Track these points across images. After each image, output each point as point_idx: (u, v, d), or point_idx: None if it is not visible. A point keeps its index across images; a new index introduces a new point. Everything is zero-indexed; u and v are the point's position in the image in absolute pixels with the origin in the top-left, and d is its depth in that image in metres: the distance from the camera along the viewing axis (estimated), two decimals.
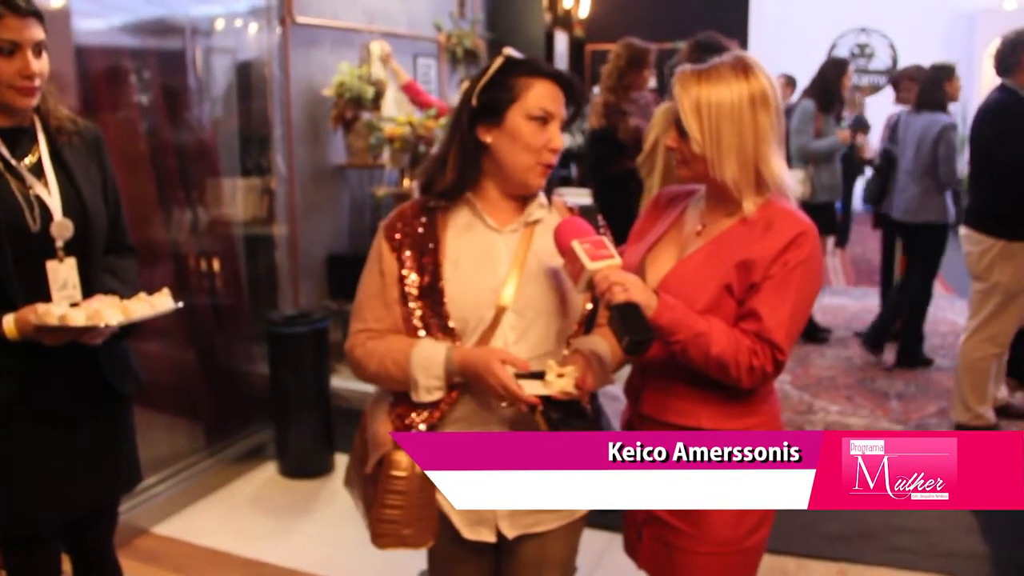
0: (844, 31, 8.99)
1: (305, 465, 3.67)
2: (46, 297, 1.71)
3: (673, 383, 1.65)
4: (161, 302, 1.73)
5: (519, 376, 1.50)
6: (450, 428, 1.63)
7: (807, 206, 4.87)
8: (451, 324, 1.60)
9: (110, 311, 1.63)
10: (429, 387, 1.58)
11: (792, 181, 1.65)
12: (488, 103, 1.58)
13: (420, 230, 1.63)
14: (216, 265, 3.83)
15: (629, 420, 1.79)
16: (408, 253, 1.62)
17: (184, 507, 3.38)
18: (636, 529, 1.78)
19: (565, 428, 1.50)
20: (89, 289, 1.77)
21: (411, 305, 1.62)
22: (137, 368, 1.96)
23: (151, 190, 3.44)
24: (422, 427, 1.61)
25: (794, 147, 4.98)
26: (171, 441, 3.54)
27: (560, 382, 1.48)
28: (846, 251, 8.24)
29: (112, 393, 1.87)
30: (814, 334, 5.49)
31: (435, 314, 1.60)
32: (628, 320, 1.44)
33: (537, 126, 1.57)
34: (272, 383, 3.72)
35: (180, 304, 1.76)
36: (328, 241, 4.31)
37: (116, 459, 1.91)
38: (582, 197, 4.69)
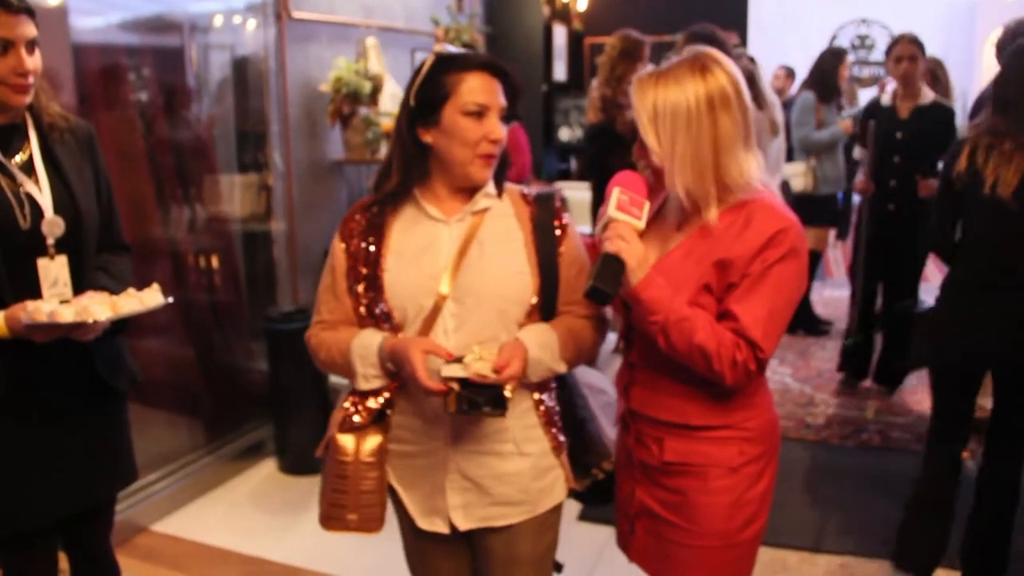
0: (844, 22, 8.97)
1: (304, 461, 3.66)
2: (37, 295, 1.71)
3: (660, 379, 1.64)
4: (151, 298, 1.73)
5: (448, 363, 1.50)
6: (397, 417, 1.67)
7: (810, 198, 4.91)
8: (392, 313, 1.62)
9: (98, 307, 1.63)
10: (367, 375, 1.62)
11: (785, 174, 1.62)
12: (424, 103, 1.58)
13: (367, 224, 1.67)
14: (214, 262, 3.82)
15: (622, 415, 1.78)
16: (356, 247, 1.66)
17: (183, 504, 3.39)
18: (629, 522, 1.77)
19: (471, 411, 1.49)
20: (81, 287, 1.76)
21: (359, 296, 1.65)
22: (132, 364, 1.96)
23: (148, 187, 3.43)
24: (365, 415, 1.65)
25: (796, 139, 4.97)
26: (170, 438, 3.54)
27: (477, 364, 1.49)
28: (847, 243, 8.20)
29: (106, 390, 1.86)
30: (815, 327, 5.48)
31: (377, 304, 1.63)
32: (603, 269, 1.48)
33: (473, 120, 1.56)
34: (271, 379, 3.72)
35: (170, 299, 1.76)
36: (326, 237, 4.27)
37: (111, 456, 1.91)
38: (582, 192, 4.68)
